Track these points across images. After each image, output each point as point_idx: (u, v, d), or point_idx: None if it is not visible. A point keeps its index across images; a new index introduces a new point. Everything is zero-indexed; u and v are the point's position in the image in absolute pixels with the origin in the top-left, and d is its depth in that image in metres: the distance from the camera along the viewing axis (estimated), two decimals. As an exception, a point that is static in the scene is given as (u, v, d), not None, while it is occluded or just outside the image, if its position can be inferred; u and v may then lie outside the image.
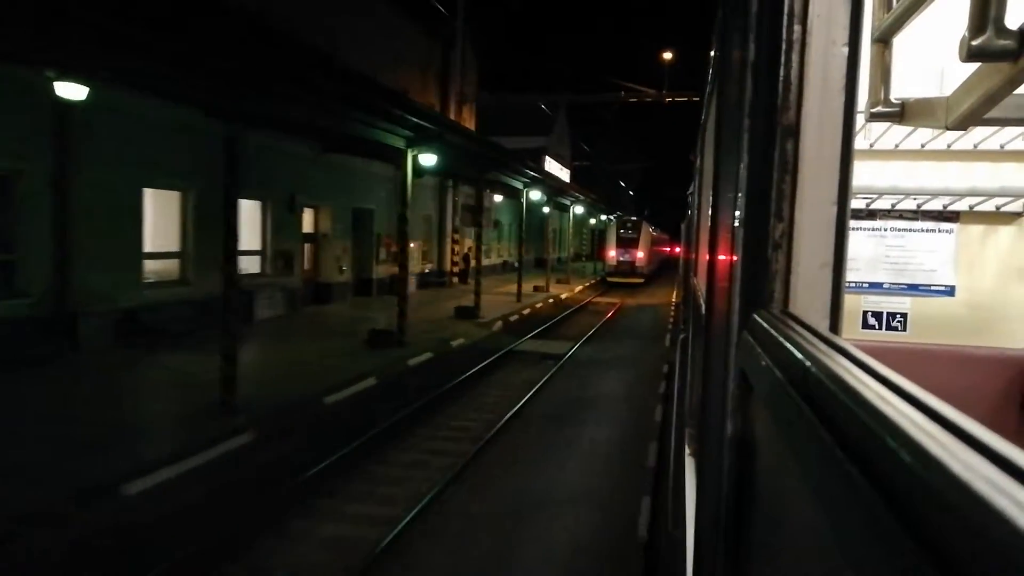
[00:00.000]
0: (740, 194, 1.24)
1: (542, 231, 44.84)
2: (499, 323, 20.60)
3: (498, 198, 36.60)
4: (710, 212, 2.18)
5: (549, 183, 29.49)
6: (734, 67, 1.46)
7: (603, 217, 53.19)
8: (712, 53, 2.94)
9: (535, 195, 29.32)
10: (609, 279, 41.76)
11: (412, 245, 22.51)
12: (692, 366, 4.27)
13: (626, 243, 41.93)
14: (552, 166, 42.31)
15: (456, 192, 31.62)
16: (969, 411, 0.41)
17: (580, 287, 35.90)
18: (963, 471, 0.34)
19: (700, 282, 3.81)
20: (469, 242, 29.62)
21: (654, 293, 38.40)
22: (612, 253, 42.19)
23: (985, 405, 2.42)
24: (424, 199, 28.50)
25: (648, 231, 43.51)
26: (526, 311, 24.01)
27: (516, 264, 32.00)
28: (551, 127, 49.57)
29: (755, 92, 1.17)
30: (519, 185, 26.93)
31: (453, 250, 31.61)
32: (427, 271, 29.48)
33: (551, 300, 28.43)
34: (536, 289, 29.54)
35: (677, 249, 53.74)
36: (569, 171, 52.72)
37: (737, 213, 1.27)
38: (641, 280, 41.56)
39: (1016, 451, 0.35)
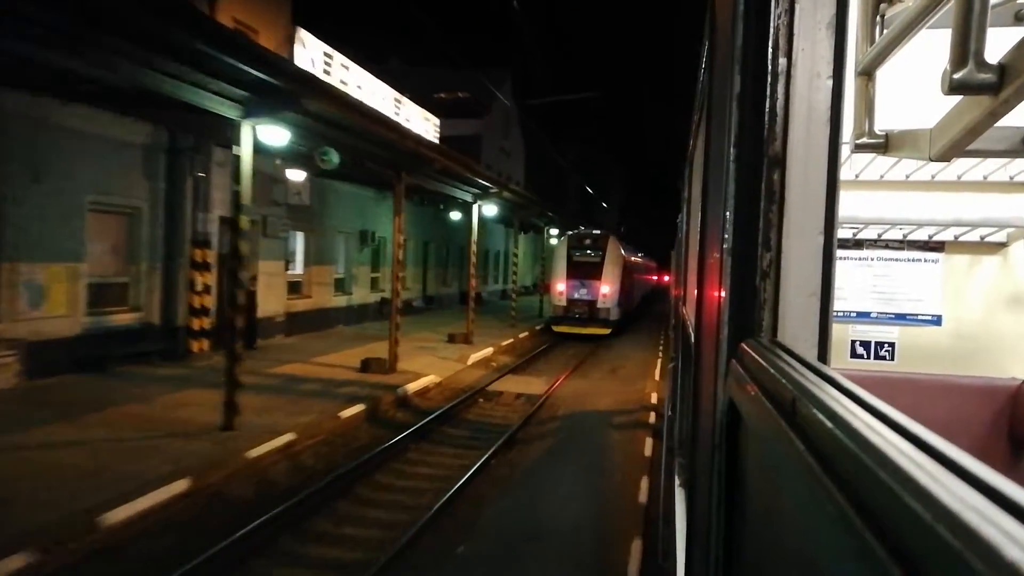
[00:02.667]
0: (727, 223, 1.25)
1: (484, 254, 34.26)
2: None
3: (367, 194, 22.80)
4: (698, 240, 2.19)
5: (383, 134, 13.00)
6: (720, 98, 1.47)
7: (553, 235, 34.54)
8: (699, 84, 2.98)
9: (476, 207, 21.08)
10: (555, 328, 25.01)
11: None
12: (682, 396, 4.26)
13: (583, 271, 25.33)
14: (417, 124, 21.30)
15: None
16: (957, 441, 0.41)
17: (490, 348, 18.83)
18: (952, 501, 0.33)
19: (689, 311, 3.82)
20: (272, 267, 17.47)
21: (628, 359, 20.46)
22: (560, 287, 25.21)
23: (973, 435, 2.42)
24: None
25: (619, 252, 26.26)
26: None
27: (420, 301, 27.47)
28: (485, 109, 37.19)
29: (741, 122, 1.18)
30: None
31: (196, 283, 14.16)
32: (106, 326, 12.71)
33: (370, 405, 11.58)
34: (369, 367, 13.99)
35: (667, 278, 42.70)
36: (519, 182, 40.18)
37: (725, 242, 1.27)
38: (606, 331, 24.89)
39: (1004, 481, 0.35)
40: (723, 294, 1.26)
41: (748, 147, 1.13)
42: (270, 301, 17.41)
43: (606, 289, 25.07)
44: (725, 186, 1.27)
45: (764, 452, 0.78)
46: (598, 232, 27.01)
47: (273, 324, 17.67)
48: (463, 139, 31.74)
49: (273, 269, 17.78)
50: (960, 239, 3.44)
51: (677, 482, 3.51)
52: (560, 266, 25.67)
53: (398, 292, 15.35)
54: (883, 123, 1.39)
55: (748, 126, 1.14)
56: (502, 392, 14.55)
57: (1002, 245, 3.41)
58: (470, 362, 17.24)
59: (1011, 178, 2.91)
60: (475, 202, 21.30)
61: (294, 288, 19.25)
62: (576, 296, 25.06)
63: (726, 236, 1.25)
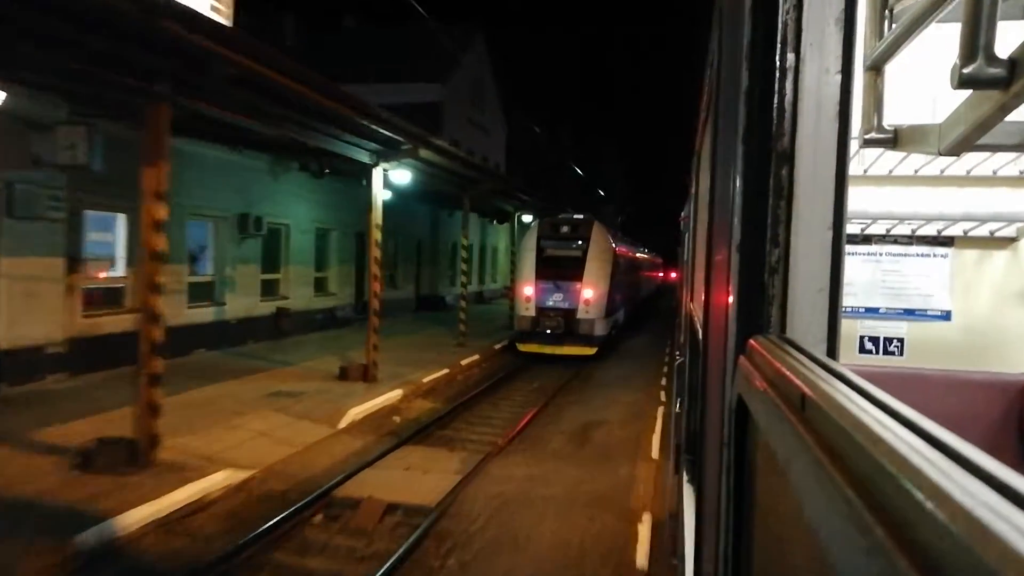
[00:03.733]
0: (735, 219, 1.24)
1: (445, 246, 29.57)
2: None
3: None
4: (706, 236, 2.19)
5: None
6: (728, 93, 1.47)
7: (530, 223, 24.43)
8: (706, 78, 2.97)
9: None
10: (520, 348, 18.96)
11: None
12: (689, 393, 4.25)
13: (558, 269, 19.18)
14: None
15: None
16: (967, 436, 0.41)
17: (400, 391, 12.58)
18: (963, 497, 0.33)
19: (696, 307, 3.81)
20: (31, 266, 11.19)
21: (612, 405, 13.31)
22: (528, 291, 19.13)
23: (983, 431, 2.41)
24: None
25: (608, 244, 20.09)
26: None
27: (350, 311, 21.43)
28: (450, 72, 30.86)
29: (749, 118, 1.18)
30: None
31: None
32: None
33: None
34: (94, 462, 7.33)
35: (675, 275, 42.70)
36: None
37: (733, 237, 1.27)
38: (590, 351, 18.67)
39: (1016, 477, 0.35)
40: (731, 290, 1.26)
41: (756, 143, 1.13)
42: (29, 321, 11.10)
43: (589, 293, 18.40)
44: (733, 182, 1.27)
45: (773, 448, 0.78)
46: (580, 217, 20.44)
47: (40, 358, 11.36)
48: (418, 108, 25.86)
49: (33, 269, 11.18)
50: (969, 234, 3.42)
51: (685, 479, 3.51)
52: (528, 263, 18.96)
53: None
54: (892, 118, 1.38)
55: (756, 122, 1.14)
56: (360, 501, 7.47)
57: (1012, 240, 3.39)
58: (345, 422, 10.34)
59: (1021, 172, 2.90)
60: (376, 164, 13.66)
61: (106, 298, 12.96)
62: (549, 303, 18.42)
63: (734, 231, 1.25)
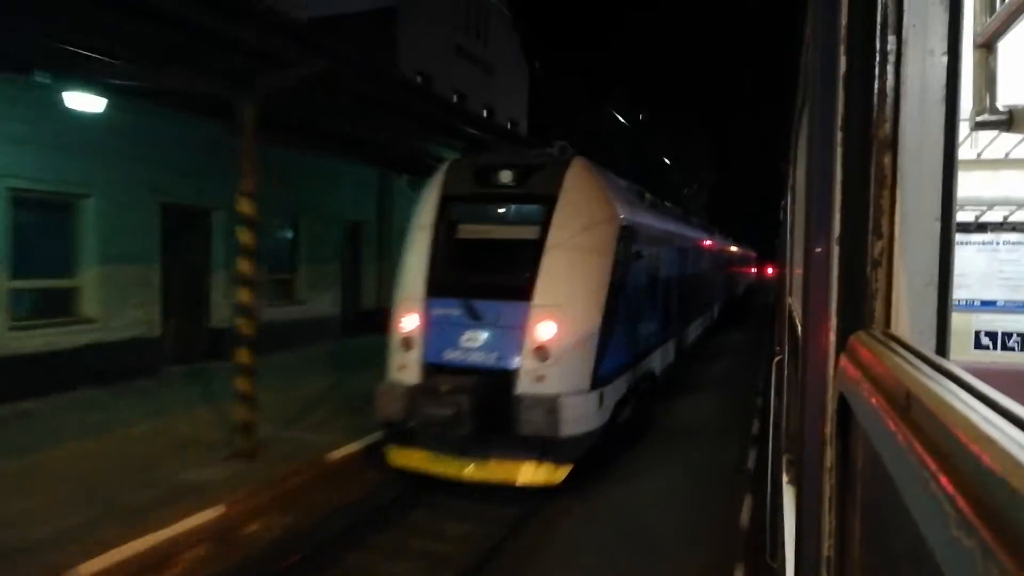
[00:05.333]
0: (835, 210, 1.20)
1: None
2: None
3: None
4: (804, 228, 2.12)
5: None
6: (825, 79, 1.42)
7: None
8: (801, 63, 2.87)
9: None
10: (394, 460, 7.94)
11: None
12: (789, 390, 4.13)
13: (481, 271, 8.46)
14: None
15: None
16: None
17: None
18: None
19: (795, 301, 3.69)
20: None
21: None
22: (407, 324, 8.21)
23: None
24: None
25: (603, 209, 8.55)
26: None
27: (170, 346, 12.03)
28: None
29: (848, 105, 1.14)
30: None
31: None
32: None
33: None
34: None
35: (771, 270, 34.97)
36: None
37: (833, 229, 1.23)
38: (555, 474, 7.51)
39: None
40: (831, 284, 1.22)
41: (856, 130, 1.09)
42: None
43: (548, 332, 7.82)
44: (832, 171, 1.23)
45: (877, 449, 0.75)
46: (540, 154, 9.14)
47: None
48: (360, 17, 18.00)
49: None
50: None
51: (784, 479, 3.41)
52: (415, 259, 8.76)
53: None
54: (1007, 98, 1.30)
55: (856, 108, 1.09)
56: None
57: None
58: None
59: None
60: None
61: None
62: (452, 355, 8.10)
63: (834, 223, 1.21)
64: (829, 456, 1.11)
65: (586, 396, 7.83)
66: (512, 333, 7.81)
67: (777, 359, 6.01)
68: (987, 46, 1.23)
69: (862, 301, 1.06)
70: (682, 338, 15.10)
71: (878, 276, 1.04)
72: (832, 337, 1.18)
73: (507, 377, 7.68)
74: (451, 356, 7.96)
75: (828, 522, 1.12)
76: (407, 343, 8.13)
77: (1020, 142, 2.60)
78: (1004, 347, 3.38)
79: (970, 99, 1.28)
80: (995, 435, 0.42)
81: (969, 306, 3.37)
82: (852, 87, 1.13)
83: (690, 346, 16.53)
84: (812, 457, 1.39)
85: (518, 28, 28.16)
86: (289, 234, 16.22)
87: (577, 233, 8.12)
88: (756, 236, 47.99)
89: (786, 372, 4.74)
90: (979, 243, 3.38)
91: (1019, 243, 3.34)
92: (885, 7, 1.00)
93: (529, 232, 8.28)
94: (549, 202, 8.24)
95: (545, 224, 8.14)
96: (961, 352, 3.28)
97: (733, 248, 29.93)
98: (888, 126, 1.02)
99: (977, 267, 3.38)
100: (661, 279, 12.06)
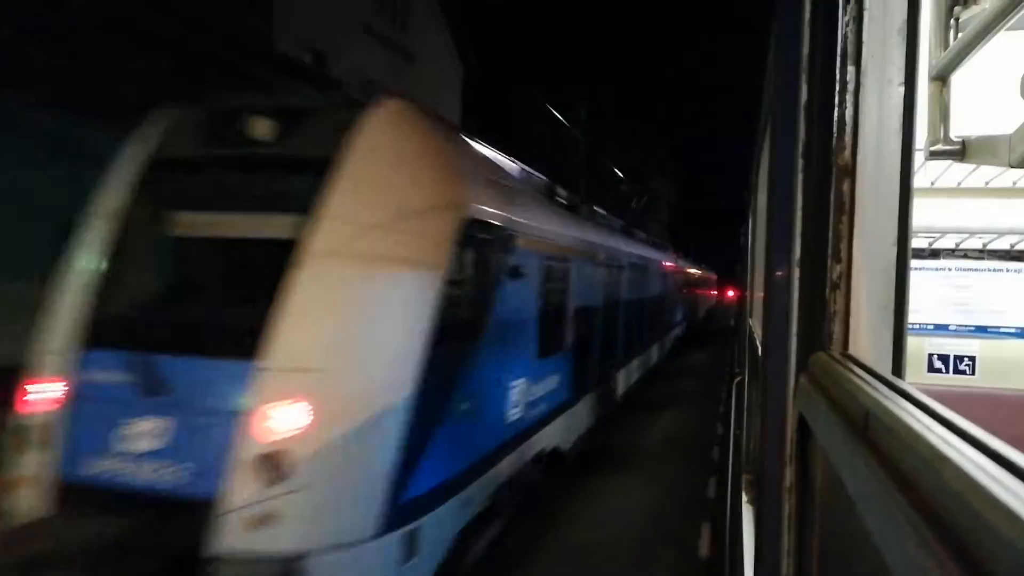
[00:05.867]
0: (796, 234, 1.23)
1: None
2: None
3: None
4: (765, 251, 2.16)
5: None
6: (786, 107, 1.45)
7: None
8: (764, 92, 2.94)
9: None
10: None
11: None
12: (749, 410, 4.18)
13: (191, 304, 4.96)
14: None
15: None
16: None
17: None
18: (1035, 520, 0.32)
19: (756, 323, 3.74)
20: None
21: None
22: (32, 394, 4.47)
23: None
24: None
25: (461, 169, 5.44)
26: None
27: None
28: None
29: (809, 133, 1.17)
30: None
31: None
32: None
33: None
34: None
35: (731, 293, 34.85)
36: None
37: (793, 253, 1.25)
38: None
39: None
40: (792, 306, 1.24)
41: (816, 157, 1.12)
42: None
43: (290, 421, 4.08)
44: (793, 197, 1.25)
45: (836, 468, 0.77)
46: (323, 99, 6.19)
47: None
48: None
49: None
50: None
51: (744, 499, 3.44)
52: (77, 279, 4.87)
53: None
54: (959, 129, 1.34)
55: (816, 136, 1.12)
56: None
57: None
58: None
59: None
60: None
61: None
62: (105, 467, 4.29)
63: (794, 247, 1.23)
64: (789, 475, 1.13)
65: (367, 549, 4.19)
66: (219, 424, 4.14)
67: (738, 379, 6.08)
68: (941, 78, 1.27)
69: (821, 323, 1.08)
70: (608, 388, 11.28)
71: (837, 299, 1.06)
72: (792, 358, 1.20)
73: (202, 514, 3.94)
74: (101, 467, 4.27)
75: (787, 540, 1.13)
76: (32, 435, 4.46)
77: (972, 172, 2.68)
78: (956, 370, 3.47)
79: (925, 129, 1.32)
80: (952, 455, 0.43)
81: (923, 329, 3.46)
82: (813, 115, 1.15)
83: (626, 394, 13.00)
84: (772, 476, 1.40)
85: (448, 17, 22.97)
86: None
87: (371, 230, 4.58)
88: (718, 257, 47.77)
89: (746, 393, 4.79)
90: (932, 269, 3.47)
91: (970, 270, 3.45)
92: (845, 39, 1.03)
93: (281, 227, 4.67)
94: (320, 171, 4.66)
95: (310, 212, 4.56)
96: (916, 375, 3.35)
97: (691, 270, 27.52)
98: (847, 154, 1.05)
99: (930, 292, 3.47)
100: (572, 310, 8.46)
